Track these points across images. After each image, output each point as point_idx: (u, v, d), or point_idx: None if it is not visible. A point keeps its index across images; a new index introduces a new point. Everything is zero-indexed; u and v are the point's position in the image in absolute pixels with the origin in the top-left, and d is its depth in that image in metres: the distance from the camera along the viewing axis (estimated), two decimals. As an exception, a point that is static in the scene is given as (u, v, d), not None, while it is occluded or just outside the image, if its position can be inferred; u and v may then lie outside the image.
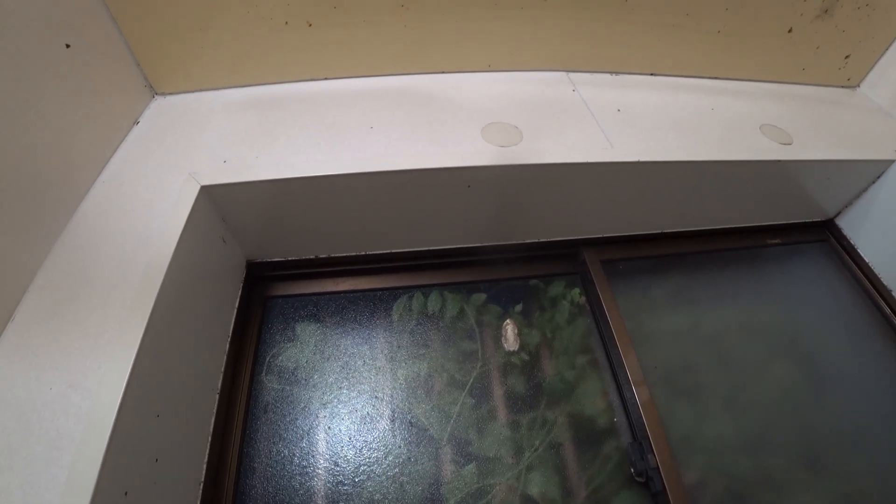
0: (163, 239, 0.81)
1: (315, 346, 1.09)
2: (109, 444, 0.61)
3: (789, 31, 1.29)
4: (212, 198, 0.93)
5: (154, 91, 1.14)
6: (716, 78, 1.37)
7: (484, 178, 0.98)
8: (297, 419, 0.99)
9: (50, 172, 0.83)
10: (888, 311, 1.26)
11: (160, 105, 1.12)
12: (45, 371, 0.68)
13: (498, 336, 1.15)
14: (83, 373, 0.68)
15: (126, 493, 0.64)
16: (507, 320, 1.17)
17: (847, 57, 1.39)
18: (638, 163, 1.01)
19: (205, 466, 0.86)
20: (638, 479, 0.96)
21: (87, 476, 0.58)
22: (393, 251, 1.16)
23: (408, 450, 0.97)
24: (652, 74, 1.33)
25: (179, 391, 0.80)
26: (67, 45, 0.88)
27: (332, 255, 1.14)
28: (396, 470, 0.94)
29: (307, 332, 1.11)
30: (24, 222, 0.77)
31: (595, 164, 0.99)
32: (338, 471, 0.93)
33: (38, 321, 0.73)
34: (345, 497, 0.90)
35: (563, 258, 1.28)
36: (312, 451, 0.95)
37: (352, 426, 0.99)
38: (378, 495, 0.91)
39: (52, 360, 0.69)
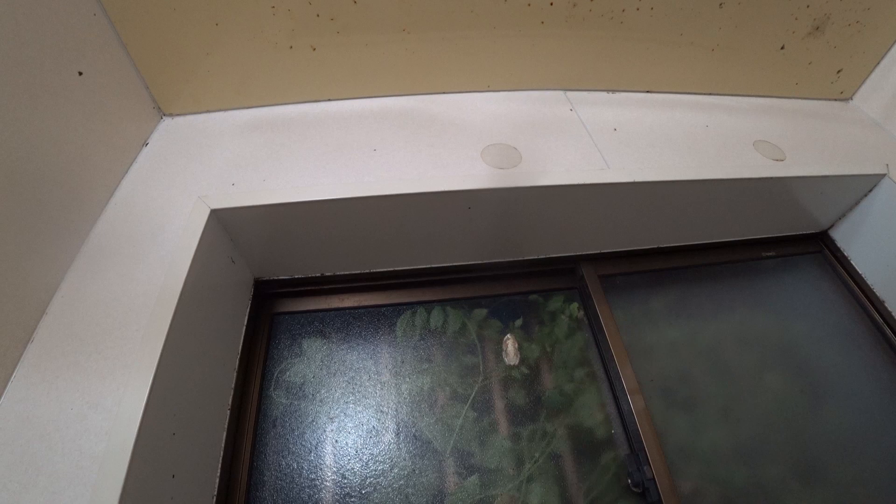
0: (175, 261, 0.84)
1: (321, 361, 1.12)
2: (131, 462, 0.63)
3: (782, 48, 1.32)
4: (221, 220, 0.96)
5: (162, 112, 1.17)
6: (710, 94, 1.40)
7: (484, 199, 1.02)
8: (304, 433, 1.02)
9: (65, 196, 0.86)
10: (881, 321, 1.28)
11: (168, 126, 1.15)
12: (66, 391, 0.70)
13: (499, 350, 1.18)
14: (102, 393, 0.70)
15: (146, 510, 0.67)
16: (508, 335, 1.20)
17: (839, 71, 1.42)
18: (633, 183, 1.04)
19: (217, 480, 0.89)
20: (635, 489, 0.99)
21: (110, 493, 0.61)
22: (396, 269, 1.19)
23: (412, 462, 1.00)
24: (647, 92, 1.37)
25: (193, 408, 0.83)
26: (80, 73, 0.91)
27: (338, 273, 1.17)
28: (402, 482, 0.97)
29: (314, 348, 1.14)
30: (41, 245, 0.80)
31: (592, 185, 1.02)
32: (345, 483, 0.96)
33: (56, 343, 0.76)
34: (352, 509, 0.94)
35: (562, 274, 1.30)
36: (320, 463, 0.98)
37: (358, 439, 1.02)
38: (384, 507, 0.94)
39: (72, 380, 0.71)
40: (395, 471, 0.98)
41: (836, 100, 1.50)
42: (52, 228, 0.82)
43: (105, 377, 0.72)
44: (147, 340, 0.74)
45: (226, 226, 0.98)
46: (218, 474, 0.89)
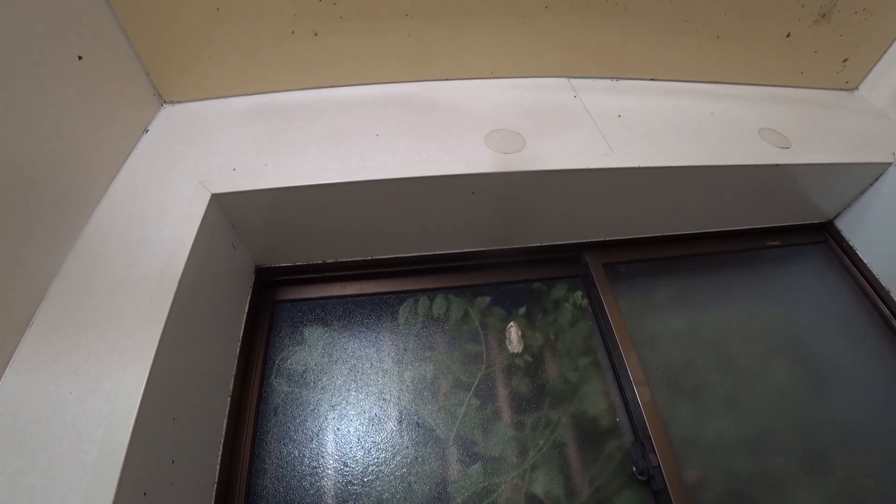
0: (176, 246, 0.83)
1: (323, 349, 1.11)
2: (130, 447, 0.62)
3: (787, 35, 1.31)
4: (222, 205, 0.95)
5: (162, 99, 1.16)
6: (715, 82, 1.39)
7: (488, 184, 1.00)
8: (306, 421, 1.01)
9: (65, 181, 0.85)
10: (886, 311, 1.27)
11: (168, 113, 1.14)
12: (65, 376, 0.69)
13: (502, 338, 1.17)
14: (101, 377, 0.69)
15: (145, 494, 0.66)
16: (511, 323, 1.19)
17: (845, 60, 1.41)
18: (638, 168, 1.03)
19: (218, 467, 0.88)
20: (640, 477, 0.98)
21: (109, 477, 0.60)
22: (399, 256, 1.18)
23: (415, 450, 0.99)
24: (652, 80, 1.35)
25: (193, 394, 0.82)
26: (80, 57, 0.90)
27: (340, 260, 1.16)
28: (404, 469, 0.96)
29: (315, 336, 1.13)
30: (41, 230, 0.79)
31: (596, 170, 1.01)
32: (347, 471, 0.95)
33: (55, 327, 0.75)
34: (354, 496, 0.93)
35: (566, 261, 1.29)
36: (322, 451, 0.97)
37: (360, 427, 1.01)
38: (386, 494, 0.93)
39: (71, 364, 0.71)
40: (398, 459, 0.97)
41: (841, 89, 1.49)
42: (51, 214, 0.81)
43: (104, 361, 0.71)
44: (147, 325, 0.73)
45: (227, 211, 0.97)
46: (218, 461, 0.89)
